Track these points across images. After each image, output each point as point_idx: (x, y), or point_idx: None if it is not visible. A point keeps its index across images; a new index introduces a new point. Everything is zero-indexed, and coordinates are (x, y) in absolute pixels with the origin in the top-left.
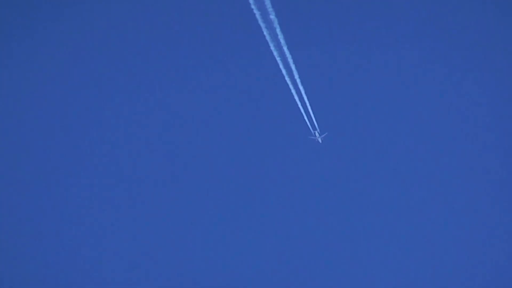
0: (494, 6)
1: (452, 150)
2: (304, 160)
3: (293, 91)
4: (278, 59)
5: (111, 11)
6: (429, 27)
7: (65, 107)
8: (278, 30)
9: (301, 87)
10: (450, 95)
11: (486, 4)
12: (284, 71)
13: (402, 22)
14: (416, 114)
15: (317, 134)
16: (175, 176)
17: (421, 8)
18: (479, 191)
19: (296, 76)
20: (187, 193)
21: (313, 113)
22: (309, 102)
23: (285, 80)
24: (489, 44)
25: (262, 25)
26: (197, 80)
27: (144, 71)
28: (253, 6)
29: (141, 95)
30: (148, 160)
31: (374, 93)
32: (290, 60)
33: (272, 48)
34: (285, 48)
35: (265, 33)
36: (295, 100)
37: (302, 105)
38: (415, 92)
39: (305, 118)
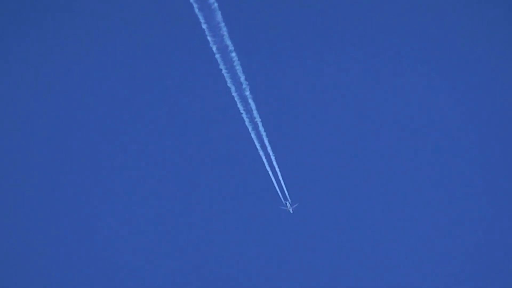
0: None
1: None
2: (275, 229)
3: (265, 162)
4: (251, 130)
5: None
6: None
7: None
8: (250, 100)
9: (273, 158)
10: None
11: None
12: (256, 142)
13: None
14: (391, 184)
15: (288, 205)
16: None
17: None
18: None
19: (268, 147)
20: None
21: (285, 183)
22: (281, 173)
23: (257, 151)
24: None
25: (232, 88)
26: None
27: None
28: (225, 74)
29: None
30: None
31: (347, 165)
32: (263, 133)
33: (245, 118)
34: (258, 121)
35: (237, 101)
36: (266, 170)
37: (273, 175)
38: (389, 160)
39: (277, 188)
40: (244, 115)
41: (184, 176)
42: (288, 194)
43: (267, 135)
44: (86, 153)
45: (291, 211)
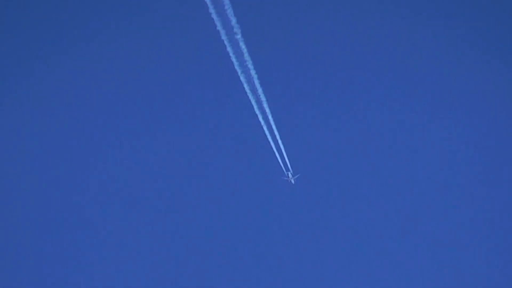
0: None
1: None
2: (276, 200)
3: (267, 132)
4: (252, 100)
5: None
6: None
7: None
8: (251, 68)
9: (274, 128)
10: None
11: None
12: (258, 112)
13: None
14: (392, 158)
15: (290, 175)
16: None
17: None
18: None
19: (270, 117)
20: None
21: (287, 154)
22: (283, 143)
23: (259, 120)
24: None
25: (238, 69)
26: (168, 122)
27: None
28: (231, 54)
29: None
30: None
31: (349, 134)
32: (264, 102)
33: (247, 89)
34: (259, 90)
35: (240, 75)
36: (268, 140)
37: (275, 145)
38: (393, 132)
39: (278, 158)
40: (245, 85)
41: (183, 148)
42: (290, 165)
43: (269, 105)
44: (88, 151)
45: (293, 182)
